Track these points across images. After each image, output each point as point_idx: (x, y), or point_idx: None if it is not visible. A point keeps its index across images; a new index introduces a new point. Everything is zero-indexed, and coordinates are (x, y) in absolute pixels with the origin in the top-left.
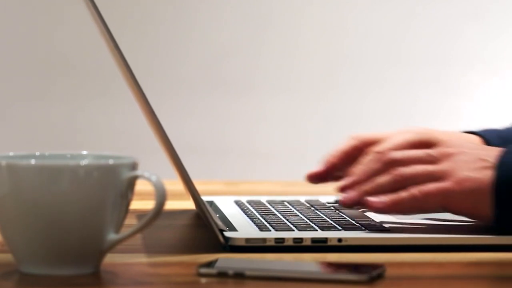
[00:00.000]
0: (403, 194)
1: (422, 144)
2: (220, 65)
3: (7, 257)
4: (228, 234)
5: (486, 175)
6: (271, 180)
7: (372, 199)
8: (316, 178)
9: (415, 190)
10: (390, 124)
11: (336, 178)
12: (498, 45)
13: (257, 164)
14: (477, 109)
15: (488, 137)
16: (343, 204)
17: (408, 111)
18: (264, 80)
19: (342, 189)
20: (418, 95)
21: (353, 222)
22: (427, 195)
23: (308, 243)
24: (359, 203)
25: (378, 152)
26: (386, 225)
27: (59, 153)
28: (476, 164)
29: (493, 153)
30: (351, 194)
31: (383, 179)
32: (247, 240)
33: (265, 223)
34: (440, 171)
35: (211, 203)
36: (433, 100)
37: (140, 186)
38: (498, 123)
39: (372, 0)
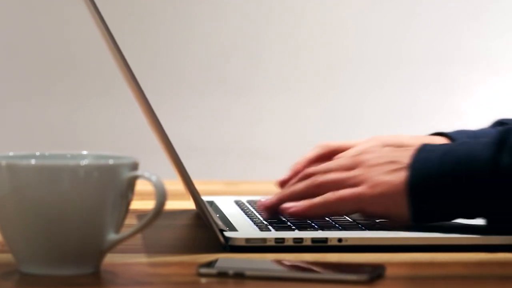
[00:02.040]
0: (317, 199)
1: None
2: (220, 65)
3: (7, 257)
4: (228, 234)
5: (399, 177)
6: (271, 180)
7: (286, 205)
8: (283, 184)
9: (329, 195)
10: (390, 124)
11: None
12: (498, 45)
13: (257, 164)
14: (477, 109)
15: (458, 138)
16: (259, 209)
17: (408, 111)
18: (264, 80)
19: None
20: (418, 95)
21: (353, 222)
22: (341, 199)
23: (308, 243)
24: (275, 209)
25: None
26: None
27: (59, 153)
28: (388, 167)
29: (407, 153)
30: (268, 200)
31: (298, 186)
32: (247, 240)
33: (265, 223)
34: (353, 177)
35: (211, 203)
36: (433, 100)
37: (140, 186)
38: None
39: (372, 0)
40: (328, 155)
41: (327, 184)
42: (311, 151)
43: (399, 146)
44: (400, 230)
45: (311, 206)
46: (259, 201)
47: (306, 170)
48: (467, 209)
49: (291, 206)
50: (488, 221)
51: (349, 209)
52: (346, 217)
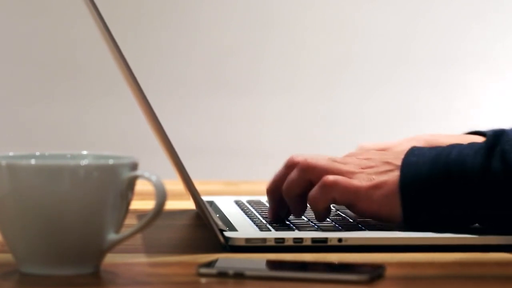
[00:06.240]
0: (315, 188)
1: None
2: (220, 66)
3: (7, 257)
4: (228, 234)
5: (392, 176)
6: None
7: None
8: None
9: (326, 180)
10: (392, 125)
11: None
12: (501, 46)
13: (257, 164)
14: (479, 109)
15: None
16: (270, 219)
17: (410, 111)
18: (265, 80)
19: None
20: (420, 96)
21: (353, 222)
22: (340, 186)
23: (308, 243)
24: (278, 208)
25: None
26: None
27: (59, 153)
28: (380, 168)
29: (399, 155)
30: (270, 211)
31: (292, 174)
32: (247, 240)
33: (265, 223)
34: (347, 170)
35: (211, 203)
36: (435, 100)
37: (140, 186)
38: (505, 123)
39: (374, 0)
40: None
41: (320, 169)
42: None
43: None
44: (400, 231)
45: (312, 196)
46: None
47: (292, 158)
48: (458, 214)
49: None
50: (480, 226)
51: (345, 199)
52: (346, 217)
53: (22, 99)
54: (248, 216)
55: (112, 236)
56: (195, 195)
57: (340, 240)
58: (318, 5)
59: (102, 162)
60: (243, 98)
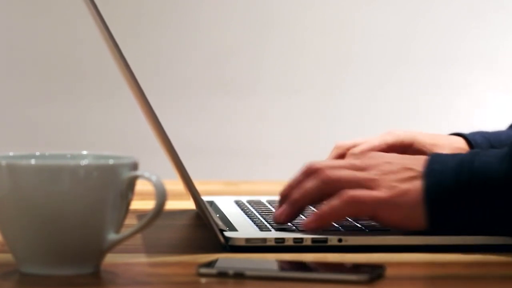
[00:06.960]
0: (334, 202)
1: (402, 146)
2: (221, 66)
3: (7, 257)
4: (228, 234)
5: (415, 185)
6: (271, 180)
7: (306, 221)
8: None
9: (345, 196)
10: (392, 125)
11: None
12: (502, 46)
13: (257, 164)
14: (481, 109)
15: (475, 139)
16: (276, 221)
17: (410, 112)
18: (265, 80)
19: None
20: (421, 96)
21: (353, 222)
22: (359, 201)
23: (308, 243)
24: (292, 215)
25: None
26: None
27: (59, 153)
28: (403, 174)
29: (419, 161)
30: (282, 209)
31: (310, 183)
32: (247, 240)
33: (265, 223)
34: (368, 178)
35: (211, 203)
36: (436, 100)
37: (140, 186)
38: (505, 123)
39: (374, 0)
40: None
41: (340, 181)
42: (331, 153)
43: (411, 144)
44: (400, 231)
45: (329, 212)
46: (275, 213)
47: (312, 165)
48: (483, 221)
49: (311, 220)
50: (505, 234)
51: (365, 213)
52: (346, 217)
53: (22, 99)
54: (248, 216)
55: (112, 236)
56: (195, 195)
57: (340, 240)
58: (318, 5)
59: (102, 162)
60: (243, 98)
